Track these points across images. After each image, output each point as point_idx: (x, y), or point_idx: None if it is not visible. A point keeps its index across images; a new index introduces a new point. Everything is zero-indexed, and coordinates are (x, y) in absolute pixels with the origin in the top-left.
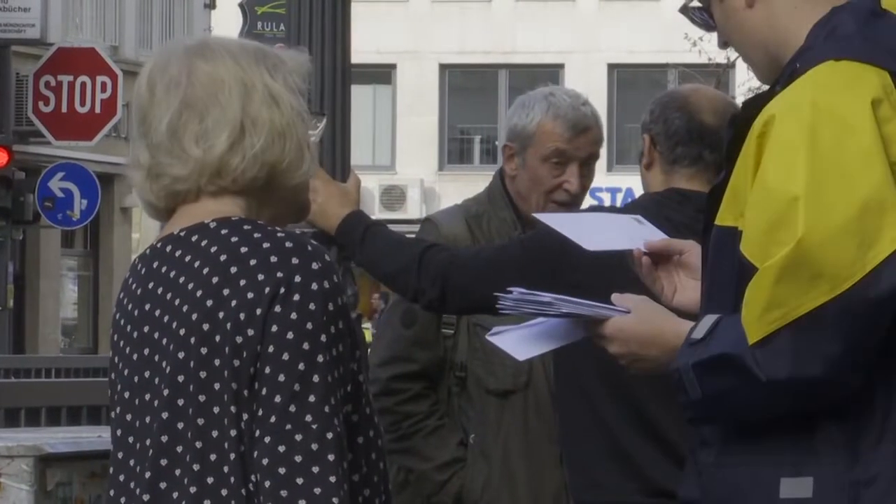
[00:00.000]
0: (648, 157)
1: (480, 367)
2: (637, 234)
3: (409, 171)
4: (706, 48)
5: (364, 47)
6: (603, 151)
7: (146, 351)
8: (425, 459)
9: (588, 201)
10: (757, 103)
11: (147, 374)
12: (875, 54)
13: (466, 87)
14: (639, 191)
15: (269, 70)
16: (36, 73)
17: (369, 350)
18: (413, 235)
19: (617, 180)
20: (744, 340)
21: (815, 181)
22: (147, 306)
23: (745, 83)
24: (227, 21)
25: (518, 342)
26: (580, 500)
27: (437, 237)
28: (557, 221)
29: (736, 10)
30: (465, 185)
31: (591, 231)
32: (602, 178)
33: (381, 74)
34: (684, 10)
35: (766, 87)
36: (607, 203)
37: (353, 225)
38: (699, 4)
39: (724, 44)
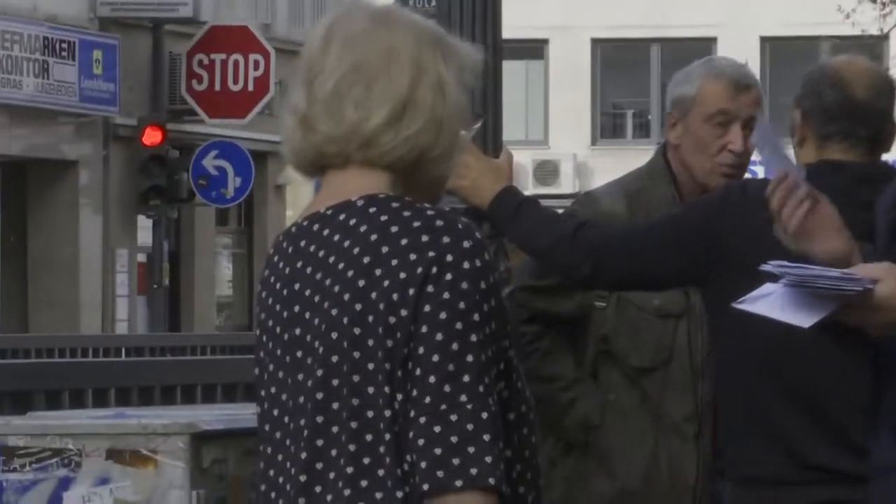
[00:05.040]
0: (800, 133)
1: (625, 341)
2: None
3: (561, 145)
4: (859, 20)
5: (515, 22)
6: None
7: (297, 330)
8: (545, 380)
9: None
10: None
11: (299, 353)
12: None
13: (618, 61)
14: None
15: (445, 58)
16: (189, 52)
17: None
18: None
19: None
20: None
21: None
22: (296, 286)
23: None
24: None
25: (784, 310)
26: (729, 473)
27: (594, 212)
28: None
29: None
30: (618, 160)
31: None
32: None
33: (533, 50)
34: None
35: None
36: (761, 177)
37: (505, 201)
38: None
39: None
